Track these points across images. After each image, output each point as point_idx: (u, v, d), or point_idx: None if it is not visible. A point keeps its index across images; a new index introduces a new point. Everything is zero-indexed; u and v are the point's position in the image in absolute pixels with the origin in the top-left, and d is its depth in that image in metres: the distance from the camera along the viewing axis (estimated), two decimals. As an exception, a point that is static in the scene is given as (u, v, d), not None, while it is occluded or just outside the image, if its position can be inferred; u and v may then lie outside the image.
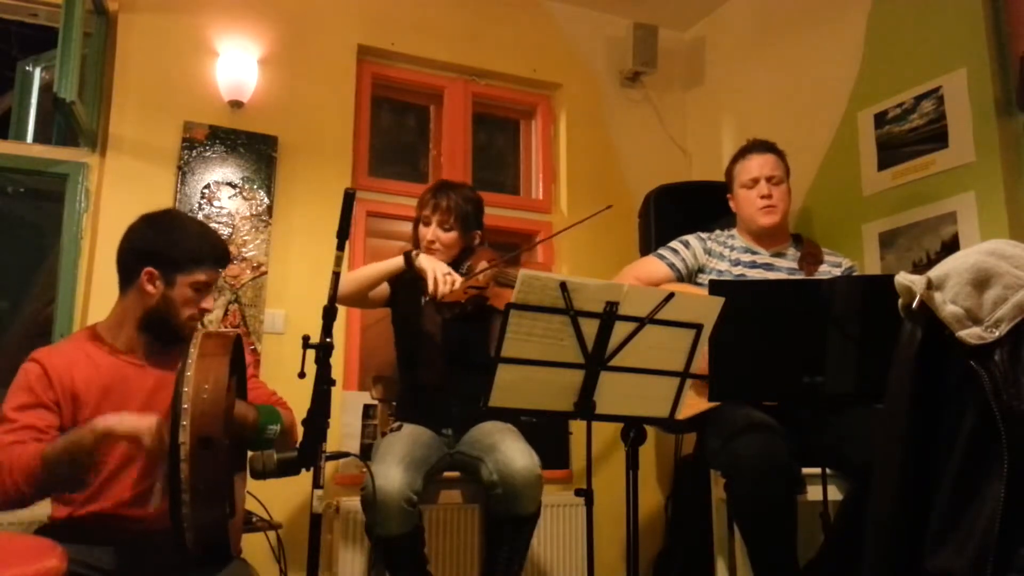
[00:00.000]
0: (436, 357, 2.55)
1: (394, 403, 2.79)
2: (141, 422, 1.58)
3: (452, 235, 2.60)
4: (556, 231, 2.63)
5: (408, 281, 2.57)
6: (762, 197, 2.62)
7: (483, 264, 2.54)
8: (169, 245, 1.85)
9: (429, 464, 2.37)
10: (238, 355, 1.83)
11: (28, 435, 1.68)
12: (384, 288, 2.60)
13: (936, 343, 1.15)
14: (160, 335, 1.87)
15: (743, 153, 2.72)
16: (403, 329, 2.66)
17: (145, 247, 1.85)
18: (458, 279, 2.38)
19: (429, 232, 2.59)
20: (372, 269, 2.54)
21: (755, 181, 2.64)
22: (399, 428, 2.49)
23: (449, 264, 2.54)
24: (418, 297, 2.59)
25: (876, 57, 3.13)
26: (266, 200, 3.23)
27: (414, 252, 2.48)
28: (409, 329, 2.62)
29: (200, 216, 3.10)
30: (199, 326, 1.92)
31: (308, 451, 1.66)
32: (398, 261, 2.48)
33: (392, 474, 2.19)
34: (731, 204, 2.76)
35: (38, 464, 1.60)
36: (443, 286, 2.34)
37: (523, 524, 2.32)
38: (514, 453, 2.26)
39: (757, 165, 2.66)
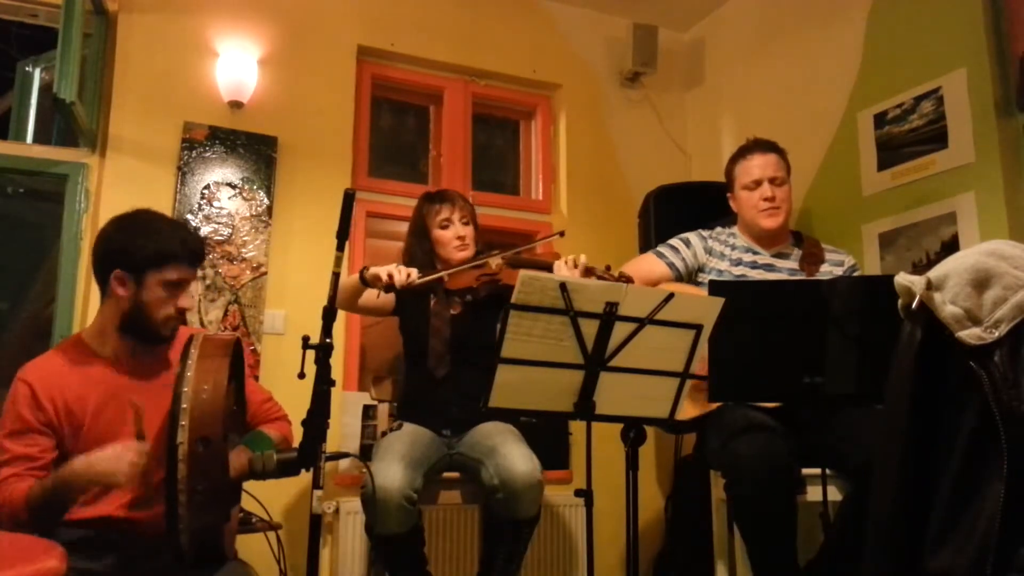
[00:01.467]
0: (443, 350, 2.56)
1: (395, 403, 2.79)
2: (108, 464, 1.58)
3: (471, 229, 2.68)
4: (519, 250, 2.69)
5: (413, 293, 2.60)
6: (765, 199, 2.57)
7: (495, 253, 2.59)
8: (135, 244, 1.79)
9: (429, 463, 2.37)
10: (238, 360, 1.82)
11: (23, 467, 1.67)
12: (389, 299, 2.62)
13: (936, 344, 1.15)
14: (140, 337, 1.84)
15: (744, 152, 2.66)
16: (411, 331, 2.67)
17: (111, 249, 1.81)
18: (413, 271, 2.39)
19: (457, 230, 2.63)
20: (342, 283, 2.55)
21: (757, 183, 2.59)
22: (399, 428, 2.50)
23: (468, 259, 2.61)
24: (426, 298, 2.61)
25: (876, 57, 3.13)
26: (266, 200, 3.23)
27: (364, 268, 2.47)
28: (418, 329, 2.63)
29: (200, 216, 3.11)
30: (199, 329, 1.92)
31: (308, 452, 1.66)
32: (355, 279, 2.49)
33: (392, 472, 2.19)
34: (731, 204, 2.72)
35: (23, 508, 1.61)
36: (399, 275, 2.36)
37: (522, 527, 2.33)
38: (515, 458, 2.26)
39: (759, 166, 2.60)
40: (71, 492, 1.63)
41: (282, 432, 1.99)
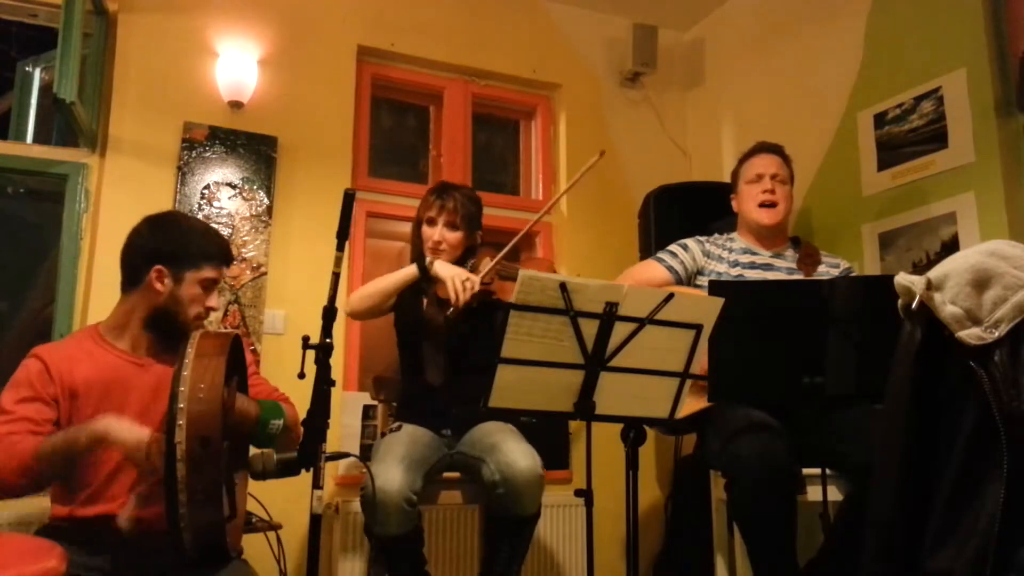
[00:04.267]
0: (439, 357, 2.56)
1: (394, 404, 2.79)
2: (132, 435, 1.61)
3: (458, 235, 2.60)
4: (552, 201, 2.60)
5: (408, 291, 2.59)
6: (764, 192, 2.63)
7: (487, 261, 2.55)
8: (177, 243, 1.87)
9: (429, 464, 2.37)
10: (237, 355, 1.84)
11: (24, 427, 1.69)
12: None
13: (936, 343, 1.15)
14: (165, 333, 1.87)
15: (750, 153, 2.75)
16: (406, 331, 2.66)
17: (154, 246, 1.87)
18: (476, 281, 2.39)
19: (436, 232, 2.58)
20: (386, 282, 2.55)
21: (759, 177, 2.66)
22: (399, 428, 2.49)
23: (452, 264, 2.56)
24: (420, 299, 2.60)
25: (876, 57, 3.13)
26: (266, 201, 3.23)
27: (427, 260, 2.49)
28: (412, 331, 2.62)
29: (200, 216, 3.11)
30: (203, 325, 1.92)
31: (308, 452, 1.66)
32: (412, 270, 2.50)
33: (392, 474, 2.19)
34: (733, 204, 2.77)
35: (32, 458, 1.62)
36: (463, 293, 2.36)
37: (524, 524, 2.33)
38: (516, 454, 2.27)
39: (762, 163, 2.68)
40: (85, 448, 1.64)
41: (293, 413, 2.00)
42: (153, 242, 1.88)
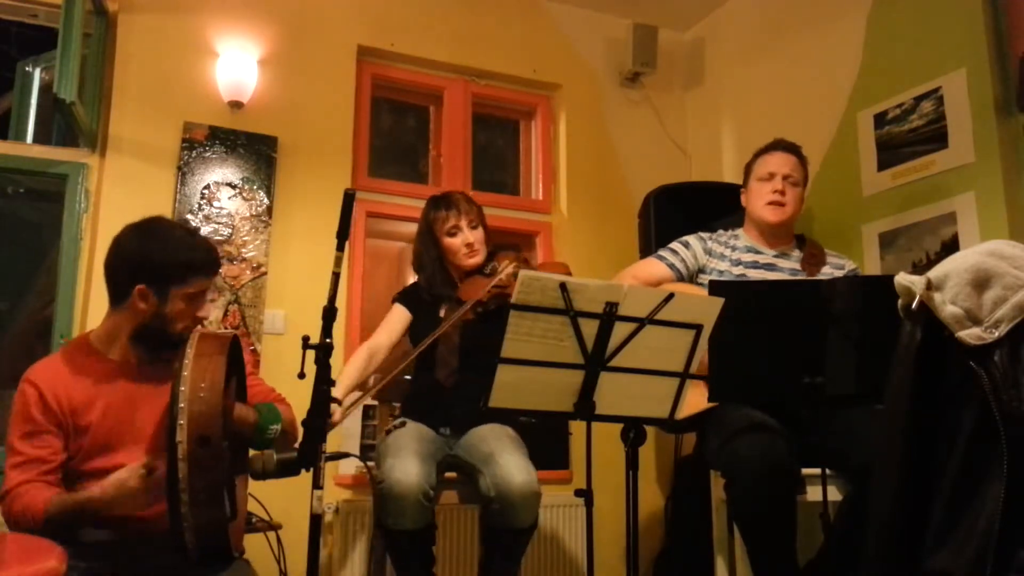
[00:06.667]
0: (452, 358, 2.56)
1: (395, 404, 2.79)
2: (124, 482, 1.61)
3: (481, 231, 2.66)
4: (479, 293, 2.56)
5: (425, 302, 2.64)
6: (774, 192, 2.58)
7: (506, 263, 2.59)
8: (159, 258, 1.79)
9: (435, 461, 2.37)
10: (236, 355, 1.82)
11: (35, 471, 1.69)
12: (406, 318, 2.65)
13: (936, 343, 1.15)
14: (154, 347, 1.85)
15: (767, 149, 2.69)
16: (422, 338, 2.66)
17: (135, 261, 1.80)
18: (337, 411, 2.29)
19: (467, 235, 2.62)
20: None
21: (771, 175, 2.61)
22: (402, 425, 2.49)
23: (479, 264, 2.62)
24: (436, 311, 2.61)
25: (876, 57, 3.13)
26: (266, 200, 3.23)
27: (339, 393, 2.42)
28: (428, 336, 2.62)
29: (200, 216, 3.11)
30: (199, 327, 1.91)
31: (308, 452, 1.66)
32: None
33: (409, 466, 2.18)
34: (742, 198, 2.72)
35: (40, 521, 1.63)
36: (338, 413, 2.27)
37: (520, 535, 2.32)
38: (512, 468, 2.25)
39: (777, 162, 2.63)
40: (90, 519, 1.67)
41: (290, 414, 1.99)
42: (135, 256, 1.80)
